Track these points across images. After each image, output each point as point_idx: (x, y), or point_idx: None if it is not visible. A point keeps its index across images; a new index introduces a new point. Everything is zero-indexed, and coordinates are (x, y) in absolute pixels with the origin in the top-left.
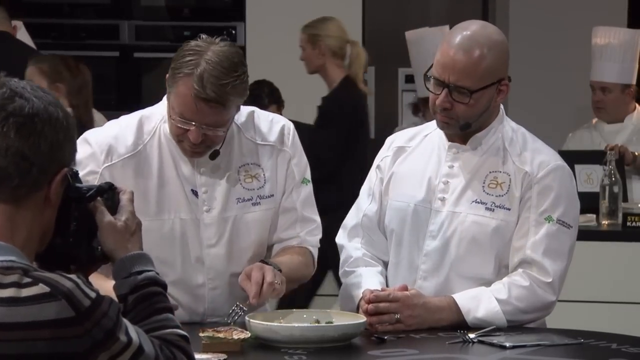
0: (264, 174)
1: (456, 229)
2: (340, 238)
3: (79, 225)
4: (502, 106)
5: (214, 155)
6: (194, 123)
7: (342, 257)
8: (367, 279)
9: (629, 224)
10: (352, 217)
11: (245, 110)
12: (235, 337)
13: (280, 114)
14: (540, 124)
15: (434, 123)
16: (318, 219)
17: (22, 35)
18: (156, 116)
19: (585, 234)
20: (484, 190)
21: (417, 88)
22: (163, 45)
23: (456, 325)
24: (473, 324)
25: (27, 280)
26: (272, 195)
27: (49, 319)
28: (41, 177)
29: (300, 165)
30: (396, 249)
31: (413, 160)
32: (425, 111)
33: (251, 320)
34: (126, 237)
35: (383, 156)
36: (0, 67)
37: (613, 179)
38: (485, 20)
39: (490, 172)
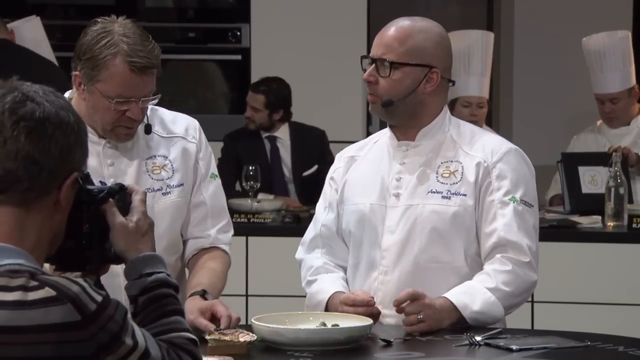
0: (172, 165)
1: (415, 220)
2: (299, 253)
3: (91, 227)
4: (446, 106)
5: (149, 130)
6: (133, 99)
7: (302, 270)
8: (330, 284)
9: (634, 225)
10: (310, 231)
11: (148, 108)
12: (242, 339)
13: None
14: (544, 130)
15: (382, 131)
16: (228, 215)
17: (37, 29)
18: None
19: (590, 236)
20: (438, 180)
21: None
22: (168, 47)
23: (457, 324)
24: (472, 319)
25: (33, 283)
26: (182, 185)
27: (55, 322)
28: (51, 181)
29: (206, 159)
30: (355, 250)
31: (365, 165)
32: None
33: (257, 322)
34: (137, 237)
35: (335, 168)
36: (1, 74)
37: (619, 180)
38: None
39: (442, 163)
